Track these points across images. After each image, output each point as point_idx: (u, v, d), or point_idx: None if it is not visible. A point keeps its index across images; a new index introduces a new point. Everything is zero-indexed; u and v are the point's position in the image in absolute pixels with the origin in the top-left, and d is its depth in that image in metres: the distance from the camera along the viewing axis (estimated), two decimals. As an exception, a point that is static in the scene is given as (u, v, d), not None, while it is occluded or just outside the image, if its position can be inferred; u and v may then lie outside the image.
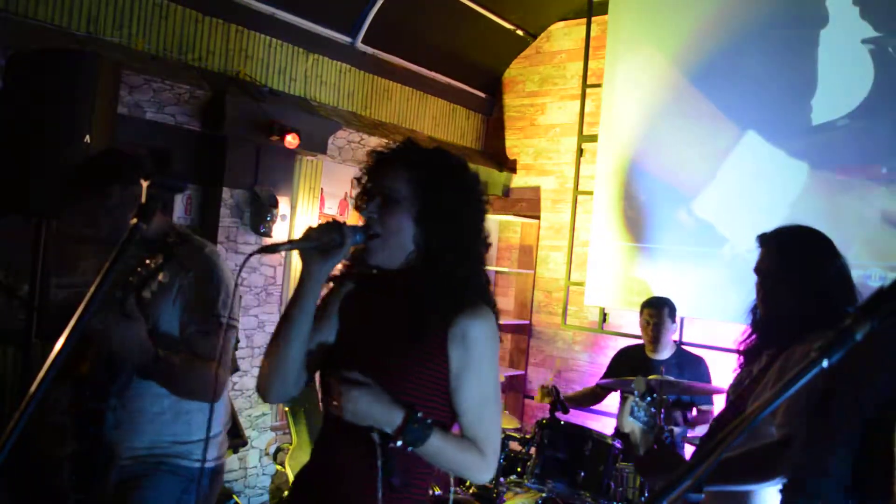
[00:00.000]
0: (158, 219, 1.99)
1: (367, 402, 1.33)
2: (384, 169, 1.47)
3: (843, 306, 1.75)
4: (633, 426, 1.76)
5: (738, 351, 1.99)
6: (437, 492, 2.85)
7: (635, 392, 1.95)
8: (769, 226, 1.93)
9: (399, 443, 1.34)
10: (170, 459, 1.94)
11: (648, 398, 1.91)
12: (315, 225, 1.42)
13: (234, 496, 4.00)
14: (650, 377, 3.31)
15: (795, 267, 1.81)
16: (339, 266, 1.50)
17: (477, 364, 1.41)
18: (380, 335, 1.47)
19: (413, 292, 1.43)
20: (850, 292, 1.78)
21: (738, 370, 2.00)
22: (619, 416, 1.88)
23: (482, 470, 1.42)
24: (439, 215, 1.42)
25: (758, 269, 1.91)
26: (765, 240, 1.91)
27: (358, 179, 1.51)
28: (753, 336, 1.94)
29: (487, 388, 1.44)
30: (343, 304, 1.56)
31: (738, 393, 1.92)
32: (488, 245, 1.51)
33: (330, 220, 1.43)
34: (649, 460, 1.67)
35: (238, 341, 2.18)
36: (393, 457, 1.37)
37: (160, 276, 1.92)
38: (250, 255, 1.37)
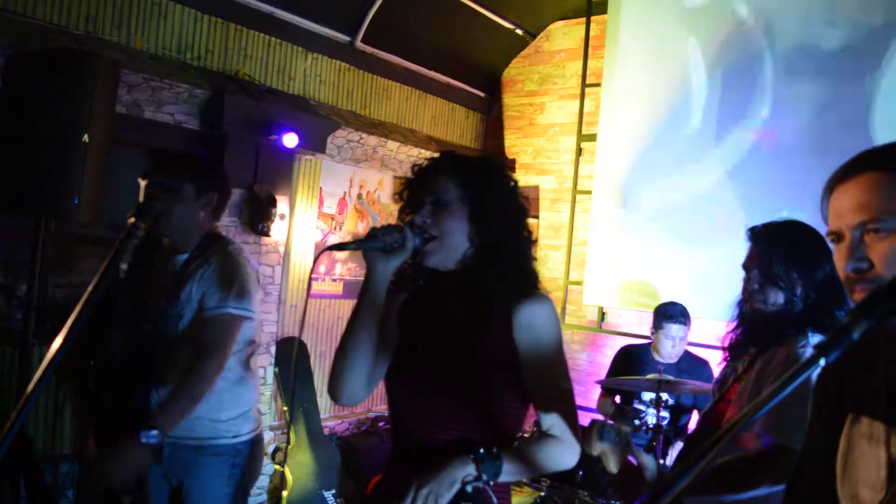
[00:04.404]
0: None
1: (438, 481, 1.32)
2: (429, 178, 1.52)
3: (832, 308, 1.69)
4: (602, 449, 1.74)
5: (723, 347, 1.93)
6: None
7: (605, 418, 1.93)
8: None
9: (484, 477, 1.34)
10: (207, 442, 2.10)
11: (617, 420, 1.88)
12: (378, 226, 1.46)
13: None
14: (650, 376, 3.32)
15: (786, 265, 1.74)
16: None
17: (544, 347, 1.44)
18: (444, 334, 1.49)
19: (473, 288, 1.47)
20: (840, 295, 1.68)
21: (724, 364, 1.95)
22: (587, 441, 1.84)
23: (566, 455, 1.43)
24: (490, 212, 1.48)
25: (746, 265, 1.84)
26: (755, 234, 1.84)
27: (399, 194, 1.57)
28: (739, 331, 1.87)
29: (556, 369, 1.46)
30: (401, 312, 1.59)
31: (722, 392, 1.88)
32: (534, 240, 1.57)
33: (394, 222, 1.48)
34: (627, 478, 1.63)
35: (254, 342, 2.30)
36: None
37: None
38: (321, 252, 1.46)
